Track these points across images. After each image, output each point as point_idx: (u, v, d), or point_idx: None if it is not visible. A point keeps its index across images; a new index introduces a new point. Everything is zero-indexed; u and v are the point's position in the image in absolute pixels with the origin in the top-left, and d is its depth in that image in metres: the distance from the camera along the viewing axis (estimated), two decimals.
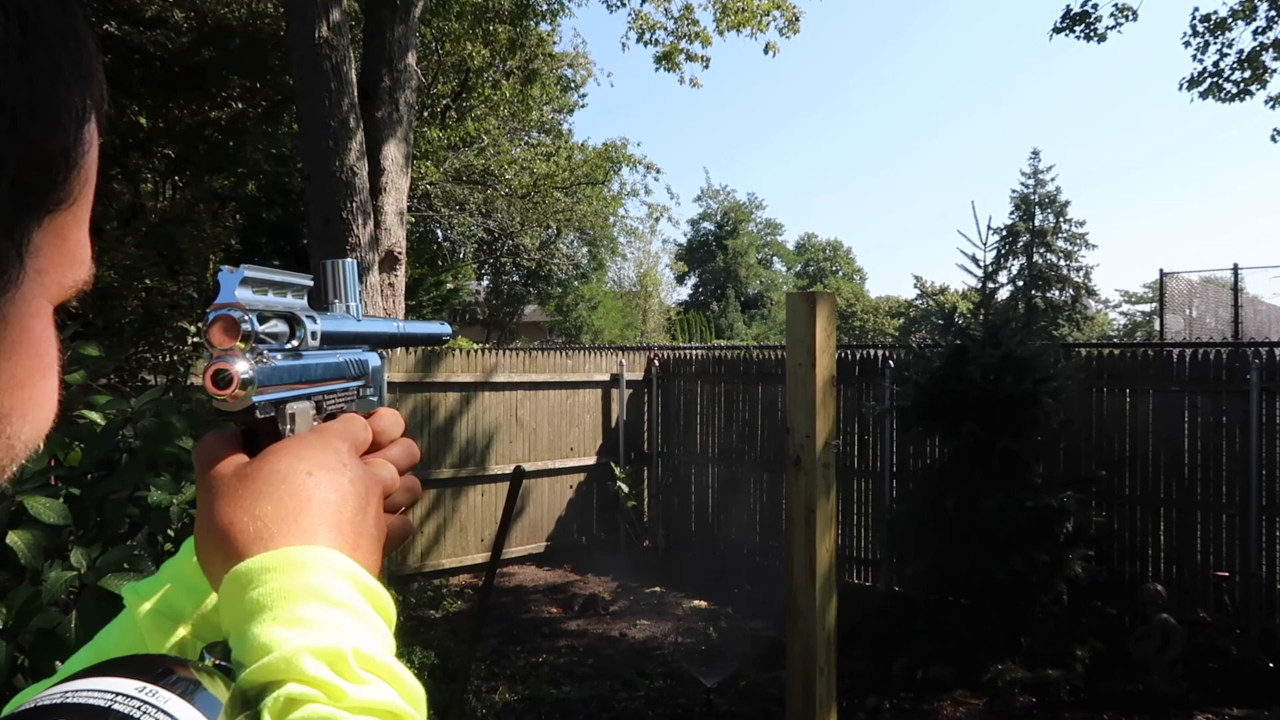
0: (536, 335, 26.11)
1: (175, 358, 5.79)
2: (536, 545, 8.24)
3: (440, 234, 17.17)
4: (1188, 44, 10.84)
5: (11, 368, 0.30)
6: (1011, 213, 33.62)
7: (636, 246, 32.85)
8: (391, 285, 7.51)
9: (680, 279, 47.12)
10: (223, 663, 0.50)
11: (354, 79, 7.41)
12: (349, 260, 0.68)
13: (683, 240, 52.65)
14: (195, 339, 5.76)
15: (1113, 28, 10.78)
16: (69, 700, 0.39)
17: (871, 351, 7.53)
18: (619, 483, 8.47)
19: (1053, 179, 34.12)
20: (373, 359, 0.69)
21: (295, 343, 0.58)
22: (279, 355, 0.56)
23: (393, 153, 7.86)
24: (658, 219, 23.13)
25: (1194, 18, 10.80)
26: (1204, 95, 10.87)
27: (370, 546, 0.55)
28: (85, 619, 3.02)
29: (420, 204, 15.09)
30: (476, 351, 8.25)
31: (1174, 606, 5.43)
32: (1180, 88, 11.06)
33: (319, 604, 0.48)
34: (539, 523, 8.28)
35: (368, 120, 7.57)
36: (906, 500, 6.55)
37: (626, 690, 5.39)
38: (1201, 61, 10.84)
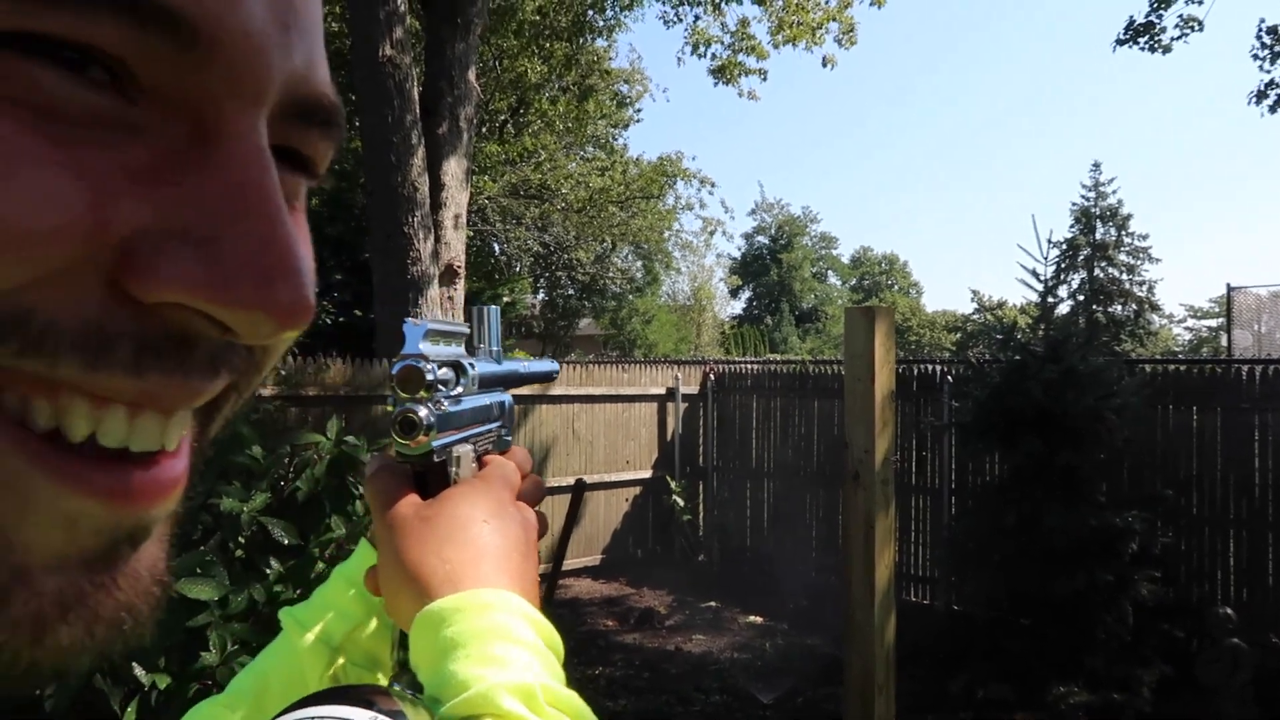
0: (591, 348, 26.25)
1: None
2: (592, 558, 8.28)
3: (497, 248, 17.40)
4: (1255, 56, 10.57)
5: None
6: (1072, 226, 32.97)
7: (691, 260, 32.91)
8: (451, 299, 7.64)
9: (734, 293, 47.07)
10: (415, 693, 0.54)
11: (416, 96, 7.57)
12: (494, 307, 0.73)
13: (737, 254, 52.58)
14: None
15: (1178, 39, 10.55)
16: None
17: (929, 367, 7.45)
18: (674, 496, 8.48)
19: (1114, 191, 33.40)
20: (508, 399, 0.74)
21: (460, 389, 0.63)
22: (446, 402, 0.60)
23: (453, 168, 8.01)
24: (712, 233, 23.18)
25: (1260, 29, 10.53)
26: (1272, 109, 10.58)
27: (533, 588, 0.60)
28: (161, 621, 3.14)
29: (477, 218, 15.32)
30: None
31: (1244, 630, 5.28)
32: (1248, 101, 10.79)
33: (507, 643, 0.53)
34: (595, 535, 8.32)
35: (428, 136, 7.73)
36: (966, 517, 6.46)
37: (683, 705, 5.39)
38: (1269, 73, 10.56)
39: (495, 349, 0.72)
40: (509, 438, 0.73)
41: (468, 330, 0.67)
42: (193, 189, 0.23)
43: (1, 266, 0.21)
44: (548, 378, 0.87)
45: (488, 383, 0.68)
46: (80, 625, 0.24)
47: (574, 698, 0.53)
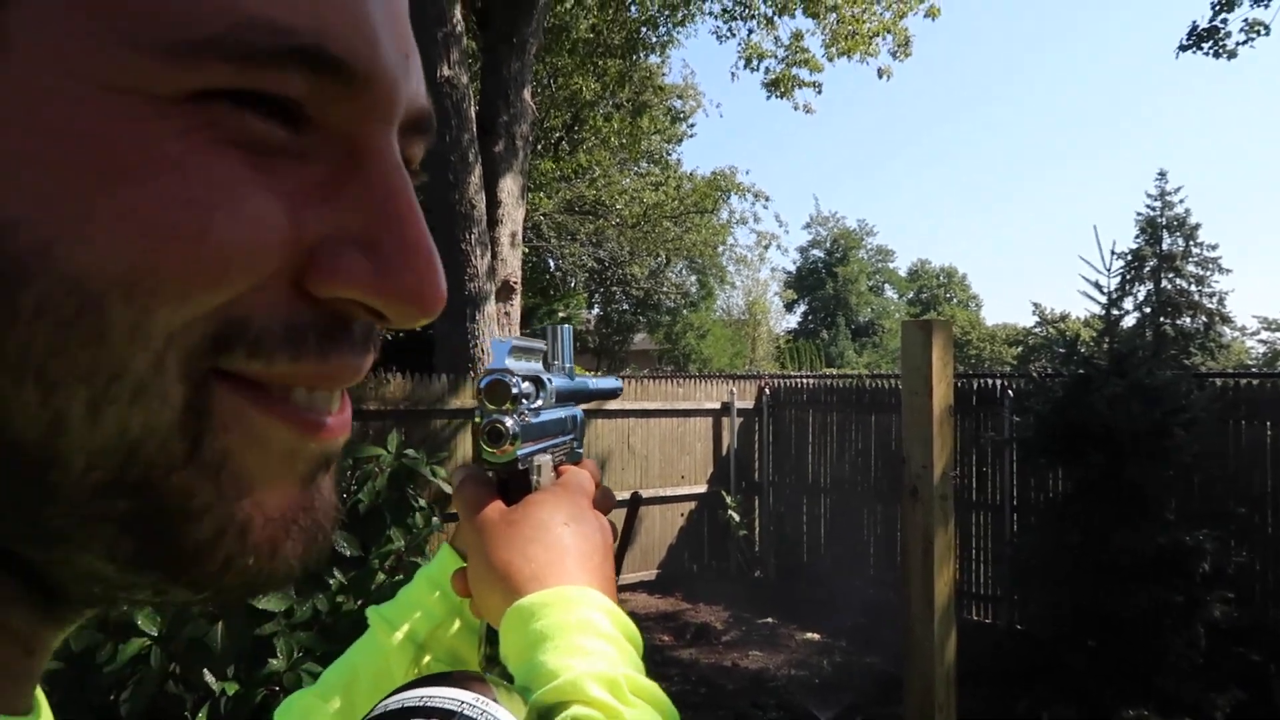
0: (645, 363, 26.29)
1: None
2: (648, 572, 8.28)
3: (552, 263, 17.56)
4: None
5: (80, 184, 0.29)
6: (1137, 237, 32.18)
7: (745, 274, 32.80)
8: (507, 314, 7.73)
9: (789, 306, 46.81)
10: (507, 681, 0.57)
11: (473, 115, 7.70)
12: (567, 326, 0.77)
13: (792, 268, 52.35)
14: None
15: (1243, 43, 10.28)
16: (428, 704, 0.47)
17: (989, 380, 7.33)
18: (730, 511, 8.45)
19: (1181, 201, 32.53)
20: (579, 413, 0.78)
21: (539, 402, 0.66)
22: (528, 414, 0.64)
23: (509, 185, 8.11)
24: (766, 247, 23.11)
25: None
26: None
27: (611, 587, 0.64)
28: (231, 630, 3.22)
29: (533, 234, 15.49)
30: None
31: None
32: None
33: (592, 636, 0.57)
34: (650, 550, 8.32)
35: (485, 154, 7.84)
36: (1028, 534, 6.33)
37: None
38: None
39: (568, 365, 0.76)
40: (580, 449, 0.77)
41: (545, 348, 0.71)
42: (352, 200, 0.28)
43: (232, 279, 0.25)
44: (613, 394, 0.91)
45: (562, 397, 0.72)
46: (298, 541, 0.29)
47: (655, 688, 0.56)
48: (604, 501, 0.71)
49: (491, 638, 0.63)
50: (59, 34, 0.22)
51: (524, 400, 0.63)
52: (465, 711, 0.47)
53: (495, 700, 0.49)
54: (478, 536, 0.63)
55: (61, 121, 0.22)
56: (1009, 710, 5.24)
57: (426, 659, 0.69)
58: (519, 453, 0.63)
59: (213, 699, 3.18)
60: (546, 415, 0.68)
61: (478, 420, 0.62)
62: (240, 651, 3.24)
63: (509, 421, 0.62)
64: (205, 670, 3.15)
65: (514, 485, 0.66)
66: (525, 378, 0.65)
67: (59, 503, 0.24)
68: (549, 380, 0.68)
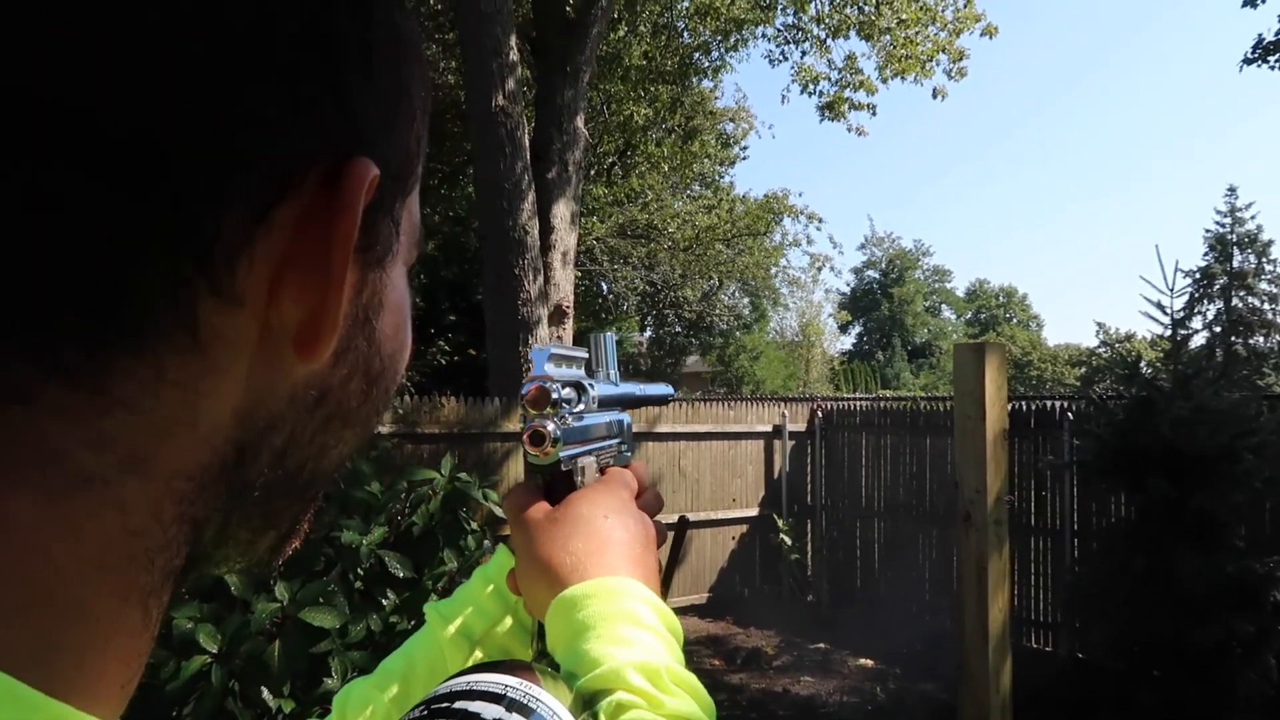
0: (698, 386, 26.24)
1: None
2: (699, 596, 8.24)
3: (605, 287, 17.66)
4: None
5: (395, 316, 0.38)
6: (1206, 254, 31.31)
7: (799, 296, 32.56)
8: (559, 338, 7.80)
9: (844, 328, 46.37)
10: (553, 670, 0.60)
11: (527, 143, 7.81)
12: (610, 334, 0.79)
13: (846, 289, 51.94)
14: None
15: None
16: (475, 688, 0.49)
17: (1049, 403, 7.18)
18: (782, 535, 8.37)
19: (1253, 217, 31.67)
20: (626, 419, 0.80)
21: (582, 406, 0.69)
22: (570, 418, 0.67)
23: (562, 211, 8.21)
24: (820, 268, 22.96)
25: None
26: None
27: (654, 579, 0.66)
28: (287, 647, 3.28)
29: (585, 258, 15.60)
30: None
31: None
32: None
33: (633, 626, 0.59)
34: (701, 573, 8.28)
35: (539, 181, 7.94)
36: (1089, 561, 6.17)
37: None
38: None
39: (612, 372, 0.78)
40: (629, 453, 0.79)
41: (586, 355, 0.74)
42: None
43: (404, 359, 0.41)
44: (663, 400, 0.93)
45: (607, 403, 0.74)
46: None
47: (694, 679, 0.57)
48: (653, 503, 0.73)
49: (542, 634, 0.65)
50: (405, 244, 0.38)
51: (565, 405, 0.66)
52: (510, 695, 0.49)
53: (541, 687, 0.51)
54: (523, 535, 0.66)
55: (400, 290, 0.38)
56: None
57: (479, 655, 0.71)
58: (562, 454, 0.66)
59: (269, 716, 3.24)
60: (590, 419, 0.70)
61: (522, 426, 0.65)
62: (297, 670, 3.30)
63: (550, 425, 0.64)
64: (263, 688, 3.22)
65: (559, 487, 0.68)
66: (566, 383, 0.67)
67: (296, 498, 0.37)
68: (591, 386, 0.70)
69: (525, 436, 0.65)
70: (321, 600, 3.42)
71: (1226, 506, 5.22)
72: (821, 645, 7.26)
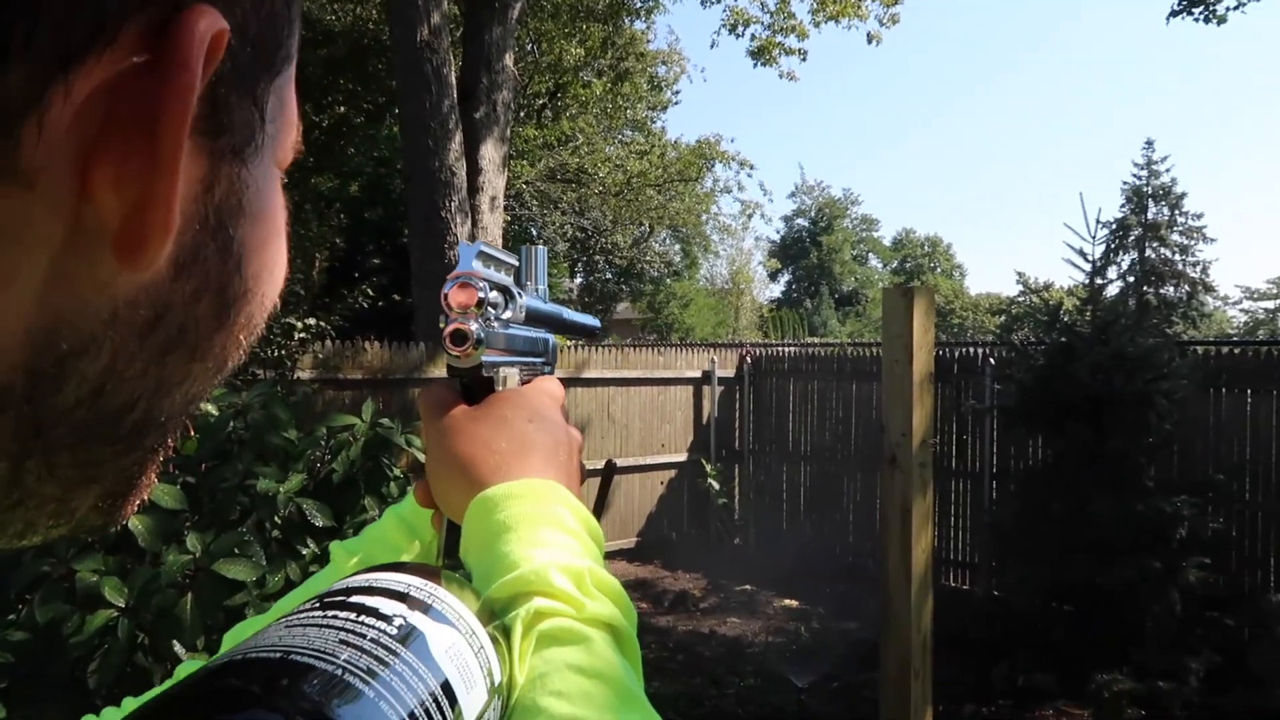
0: (629, 333, 26.23)
1: (283, 353, 6.00)
2: (627, 540, 8.28)
3: (534, 232, 17.42)
4: None
5: (263, 229, 0.31)
6: (1122, 206, 32.24)
7: (729, 243, 32.71)
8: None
9: (773, 276, 46.71)
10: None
11: (454, 81, 7.56)
12: (541, 247, 0.75)
13: (776, 237, 52.23)
14: (302, 334, 5.99)
15: (1234, 9, 10.22)
16: (375, 584, 0.44)
17: (971, 349, 7.32)
18: (710, 480, 8.45)
19: (1168, 170, 32.62)
20: (553, 339, 0.76)
21: (509, 314, 0.65)
22: (496, 324, 0.63)
23: (490, 152, 7.99)
24: (750, 216, 22.94)
25: None
26: None
27: (577, 487, 0.62)
28: (200, 600, 3.17)
29: (514, 202, 15.33)
30: (569, 348, 8.34)
31: None
32: None
33: (556, 529, 0.55)
34: (630, 518, 8.32)
35: (466, 121, 7.72)
36: (1008, 503, 6.34)
37: (717, 688, 5.37)
38: None
39: (542, 287, 0.74)
40: (552, 376, 0.75)
41: (516, 262, 0.69)
42: None
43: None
44: (589, 332, 0.89)
45: (534, 319, 0.70)
46: None
47: (616, 584, 0.54)
48: (577, 433, 0.70)
49: (449, 549, 0.61)
50: (277, 140, 0.32)
51: (491, 308, 0.62)
52: (414, 594, 0.44)
53: (446, 590, 0.47)
54: (439, 433, 0.62)
55: (270, 197, 0.32)
56: (985, 676, 5.28)
57: None
58: (484, 359, 0.62)
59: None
60: (518, 330, 0.67)
61: (442, 325, 0.61)
62: (211, 623, 3.19)
63: (474, 325, 0.60)
64: (175, 642, 3.10)
65: (479, 391, 0.64)
66: (494, 286, 0.63)
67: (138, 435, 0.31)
68: (519, 294, 0.66)
69: (446, 335, 0.60)
70: (236, 551, 3.31)
71: (1139, 449, 5.40)
72: (748, 587, 7.37)
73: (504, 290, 0.64)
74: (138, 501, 0.34)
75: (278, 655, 0.35)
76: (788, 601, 7.05)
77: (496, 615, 0.50)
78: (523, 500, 0.56)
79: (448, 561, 0.62)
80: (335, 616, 0.40)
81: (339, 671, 0.35)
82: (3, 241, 0.23)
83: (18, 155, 0.22)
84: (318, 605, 0.41)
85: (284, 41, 0.30)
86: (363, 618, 0.40)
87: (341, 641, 0.37)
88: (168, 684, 0.63)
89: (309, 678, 0.34)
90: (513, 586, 0.51)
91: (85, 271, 0.25)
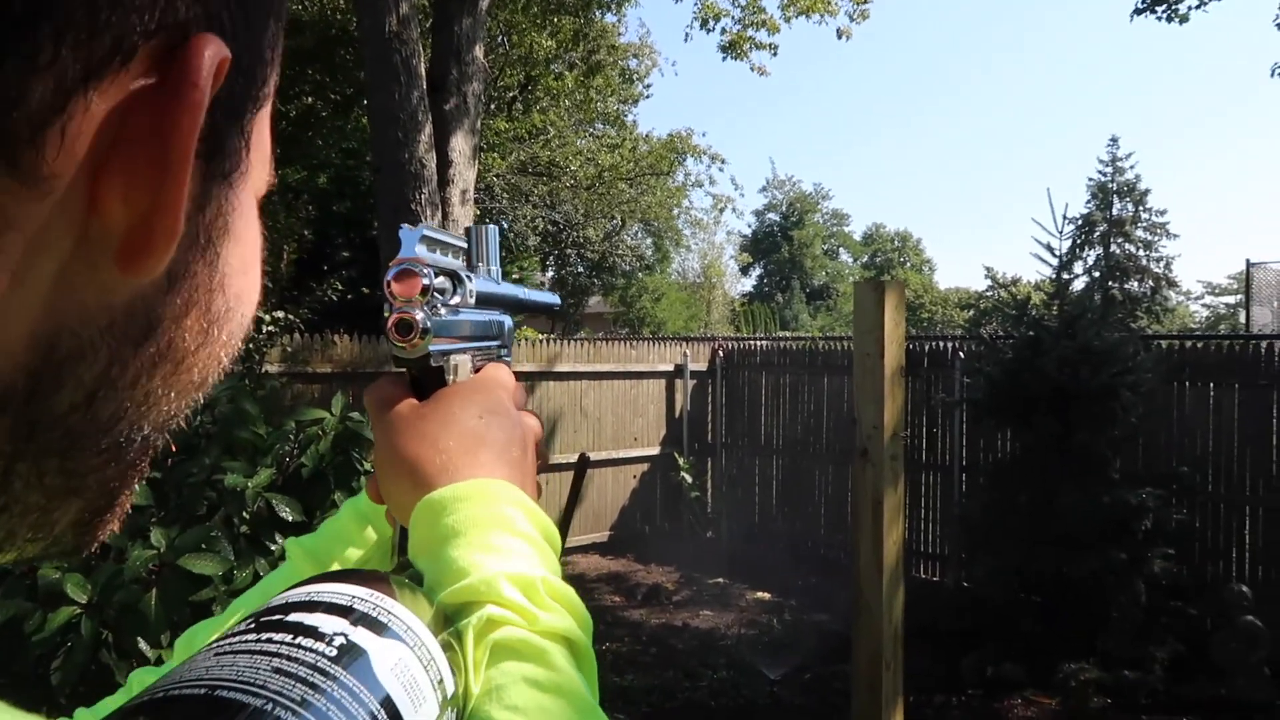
0: (600, 326, 26.19)
1: (250, 346, 5.93)
2: (600, 534, 8.28)
3: (506, 225, 17.33)
4: None
5: (244, 251, 0.32)
6: (1088, 202, 32.66)
7: (701, 238, 32.70)
8: None
9: (745, 270, 46.87)
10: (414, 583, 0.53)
11: (423, 72, 7.49)
12: (493, 226, 0.72)
13: (747, 231, 52.37)
14: (270, 328, 5.91)
15: (1196, 8, 10.35)
16: (316, 599, 0.42)
17: (941, 343, 7.38)
18: (683, 473, 8.46)
19: (1132, 167, 33.05)
20: (508, 321, 0.73)
21: (457, 299, 0.62)
22: (444, 310, 0.60)
23: (460, 145, 7.92)
24: (722, 210, 22.94)
25: None
26: None
27: (531, 485, 0.60)
28: (165, 596, 3.12)
29: (485, 195, 15.24)
30: (540, 341, 8.31)
31: (1260, 609, 5.22)
32: (1271, 73, 10.60)
33: (507, 534, 0.53)
34: (602, 512, 8.31)
35: (436, 113, 7.64)
36: (977, 495, 6.41)
37: (690, 680, 5.38)
38: None
39: (494, 269, 0.72)
40: (509, 358, 0.72)
41: (465, 244, 0.66)
42: None
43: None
44: (549, 309, 0.86)
45: (486, 301, 0.68)
46: None
47: (571, 592, 0.53)
48: (534, 421, 0.67)
49: (404, 544, 0.59)
50: (257, 168, 0.33)
51: (438, 294, 0.59)
52: (358, 607, 0.42)
53: (396, 600, 0.45)
54: (386, 431, 0.59)
55: (251, 222, 0.33)
56: (955, 667, 5.33)
57: None
58: (432, 348, 0.59)
59: (147, 666, 3.08)
60: (468, 315, 0.64)
61: (387, 314, 0.58)
62: (177, 620, 3.15)
63: (419, 314, 0.58)
64: (139, 639, 3.06)
65: (428, 384, 0.62)
66: (440, 271, 0.60)
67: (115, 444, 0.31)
68: (469, 277, 0.64)
69: (390, 324, 0.58)
70: (204, 546, 3.26)
71: (1105, 442, 5.47)
72: (720, 580, 7.39)
73: (451, 275, 0.62)
74: (115, 523, 0.33)
75: (202, 691, 0.34)
76: (760, 594, 7.08)
77: (450, 621, 0.48)
78: (471, 502, 0.54)
79: (401, 560, 0.59)
80: (269, 640, 0.38)
81: (268, 706, 0.33)
82: (17, 242, 0.24)
83: (40, 161, 0.24)
84: (253, 626, 0.40)
85: (267, 78, 0.32)
86: (299, 639, 0.38)
87: (274, 670, 0.36)
88: (114, 697, 0.61)
89: (235, 716, 0.32)
90: (462, 595, 0.49)
91: (89, 279, 0.27)
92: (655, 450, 8.54)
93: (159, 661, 3.13)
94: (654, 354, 8.64)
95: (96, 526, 0.32)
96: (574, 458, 7.49)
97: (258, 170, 0.33)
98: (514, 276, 17.25)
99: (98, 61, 0.24)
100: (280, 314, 5.99)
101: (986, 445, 6.79)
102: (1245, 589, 5.31)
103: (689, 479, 8.45)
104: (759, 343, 9.04)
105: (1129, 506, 5.20)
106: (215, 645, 0.38)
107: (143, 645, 3.09)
